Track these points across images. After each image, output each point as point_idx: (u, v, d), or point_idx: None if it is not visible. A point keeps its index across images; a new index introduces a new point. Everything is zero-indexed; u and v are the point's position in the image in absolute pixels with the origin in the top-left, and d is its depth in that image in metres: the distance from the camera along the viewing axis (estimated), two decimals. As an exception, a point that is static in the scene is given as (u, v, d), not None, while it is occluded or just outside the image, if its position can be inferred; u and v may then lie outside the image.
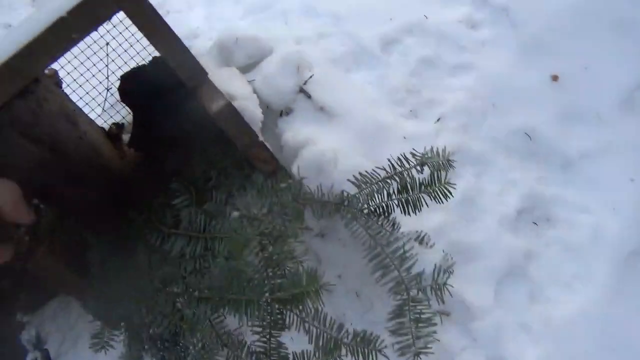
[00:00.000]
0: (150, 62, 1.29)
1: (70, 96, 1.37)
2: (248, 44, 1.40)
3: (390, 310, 1.12)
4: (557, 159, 1.25)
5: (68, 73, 1.38)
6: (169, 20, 0.85)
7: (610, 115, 1.26)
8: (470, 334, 1.12)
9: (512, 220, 1.21)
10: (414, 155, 0.89)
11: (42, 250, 0.87)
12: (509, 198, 1.23)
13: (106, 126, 1.47)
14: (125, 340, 0.87)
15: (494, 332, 1.12)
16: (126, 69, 1.43)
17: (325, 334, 0.79)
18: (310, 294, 0.78)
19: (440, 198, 0.85)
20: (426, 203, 0.86)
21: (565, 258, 1.19)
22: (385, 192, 0.86)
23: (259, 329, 0.81)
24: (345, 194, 0.89)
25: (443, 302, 0.83)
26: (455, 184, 0.84)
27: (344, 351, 0.80)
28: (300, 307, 0.80)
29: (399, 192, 0.87)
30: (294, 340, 0.93)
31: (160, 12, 0.84)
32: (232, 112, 0.87)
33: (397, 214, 0.92)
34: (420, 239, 0.87)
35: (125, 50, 1.42)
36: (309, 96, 1.34)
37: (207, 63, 1.11)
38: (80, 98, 1.41)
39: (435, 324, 0.81)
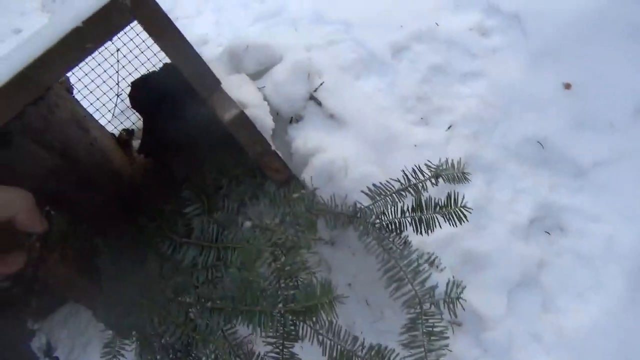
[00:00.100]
0: (161, 68, 1.29)
1: (80, 102, 1.37)
2: (258, 51, 1.40)
3: (403, 323, 1.12)
4: (570, 168, 1.24)
5: (79, 79, 1.38)
6: (178, 26, 0.84)
7: (623, 123, 1.25)
8: (482, 344, 1.11)
9: (523, 228, 1.20)
10: (428, 166, 0.88)
11: (54, 257, 0.87)
12: (521, 206, 1.22)
13: (116, 132, 1.47)
14: (137, 349, 0.87)
15: (505, 342, 1.11)
16: (137, 75, 1.44)
17: (339, 347, 0.78)
18: (324, 305, 0.77)
19: (454, 221, 0.84)
20: (439, 224, 0.86)
21: (577, 267, 1.18)
22: (398, 208, 0.85)
23: (272, 340, 0.81)
24: (358, 205, 0.88)
25: (456, 315, 0.82)
26: (472, 209, 0.83)
27: (358, 364, 0.79)
28: (314, 319, 0.79)
29: (412, 210, 0.86)
30: (304, 349, 0.92)
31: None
32: (245, 121, 0.86)
33: (408, 232, 0.92)
34: (431, 261, 0.87)
35: (136, 57, 1.42)
36: (319, 103, 1.34)
37: (217, 69, 1.11)
38: (91, 104, 1.42)
39: (447, 337, 0.80)
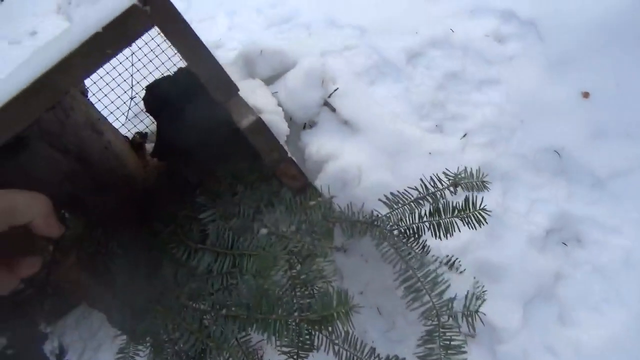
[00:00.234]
0: (176, 72, 1.30)
1: (94, 105, 1.38)
2: (272, 56, 1.40)
3: (416, 333, 1.11)
4: (587, 178, 1.22)
5: (94, 82, 1.39)
6: (192, 30, 0.84)
7: (642, 133, 1.23)
8: (496, 357, 1.10)
9: (540, 239, 1.18)
10: (446, 175, 0.87)
11: (70, 261, 0.87)
12: (537, 217, 1.20)
13: (129, 135, 1.48)
14: (150, 355, 0.86)
15: (520, 355, 1.09)
16: (151, 79, 1.44)
17: (355, 358, 0.77)
18: (340, 315, 0.76)
19: (473, 224, 0.83)
20: (458, 228, 0.84)
21: (594, 280, 1.16)
22: (416, 214, 0.84)
23: (287, 349, 0.80)
24: (375, 213, 0.88)
25: (474, 329, 0.81)
26: (490, 211, 0.82)
27: (373, 375, 0.78)
28: (330, 329, 0.78)
29: (430, 214, 0.85)
30: (315, 358, 0.91)
31: (184, 23, 0.84)
32: (262, 128, 0.86)
33: (426, 236, 0.91)
34: (451, 264, 0.85)
35: (151, 61, 1.43)
36: (333, 109, 1.34)
37: (232, 74, 1.11)
38: (105, 107, 1.42)
39: (465, 352, 0.79)
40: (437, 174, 0.88)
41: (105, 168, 1.20)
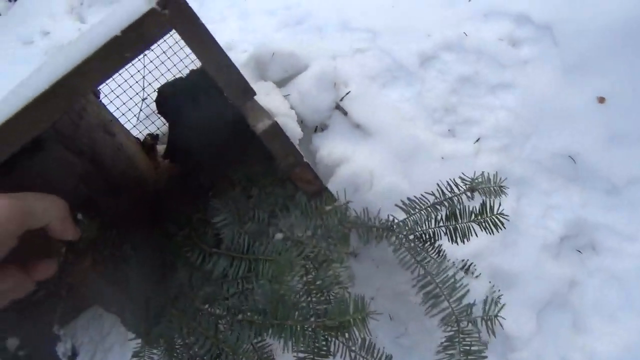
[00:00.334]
0: (188, 74, 1.30)
1: (106, 106, 1.38)
2: (284, 59, 1.39)
3: (428, 339, 1.10)
4: (603, 184, 1.21)
5: (106, 83, 1.39)
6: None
7: (659, 140, 1.21)
8: (510, 365, 1.09)
9: (554, 246, 1.17)
10: (463, 179, 0.86)
11: (85, 264, 0.87)
12: (552, 223, 1.19)
13: (141, 137, 1.48)
14: (165, 359, 0.86)
15: (534, 363, 1.09)
16: (163, 80, 1.44)
17: (372, 365, 0.77)
18: (356, 322, 0.76)
19: (490, 228, 0.82)
20: (475, 233, 0.84)
21: (610, 288, 1.15)
22: (432, 219, 0.83)
23: (302, 355, 0.79)
24: (391, 218, 0.87)
25: (494, 334, 0.80)
26: (508, 216, 0.81)
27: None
28: (347, 335, 0.77)
29: (447, 219, 0.84)
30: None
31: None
32: (278, 132, 0.85)
33: (442, 241, 0.90)
34: (466, 268, 0.85)
35: (163, 62, 1.43)
36: (345, 113, 1.33)
37: (245, 77, 1.11)
38: (117, 108, 1.42)
39: (485, 357, 0.78)
40: (453, 179, 0.87)
41: (118, 170, 1.20)
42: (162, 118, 1.45)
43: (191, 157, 1.27)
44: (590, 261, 1.17)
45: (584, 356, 1.09)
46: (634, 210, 1.18)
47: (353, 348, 0.78)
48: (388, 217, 0.87)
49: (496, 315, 0.80)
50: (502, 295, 0.83)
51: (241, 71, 0.98)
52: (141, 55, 1.45)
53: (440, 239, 0.86)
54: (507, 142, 1.26)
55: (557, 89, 1.27)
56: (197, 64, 1.45)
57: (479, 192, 0.85)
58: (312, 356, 0.79)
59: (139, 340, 0.87)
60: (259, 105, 0.97)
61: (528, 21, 1.38)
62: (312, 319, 0.78)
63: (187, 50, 1.43)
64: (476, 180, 0.86)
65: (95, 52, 0.77)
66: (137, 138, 1.44)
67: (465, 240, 0.84)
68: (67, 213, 0.74)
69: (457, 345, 0.77)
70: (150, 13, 0.77)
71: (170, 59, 1.42)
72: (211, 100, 1.23)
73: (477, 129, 1.29)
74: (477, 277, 0.89)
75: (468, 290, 0.79)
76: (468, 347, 0.78)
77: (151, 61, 1.43)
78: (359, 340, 0.78)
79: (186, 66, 1.44)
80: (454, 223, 0.84)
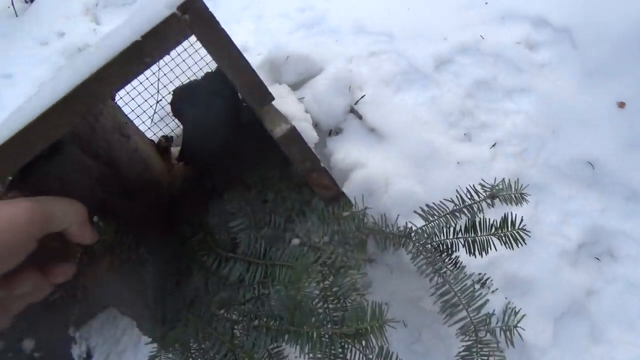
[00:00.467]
0: (203, 77, 1.30)
1: (121, 108, 1.39)
2: (299, 62, 1.39)
3: (442, 346, 1.09)
4: (622, 190, 1.19)
5: (121, 86, 1.40)
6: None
7: (680, 146, 1.19)
8: (527, 373, 1.07)
9: (572, 253, 1.15)
10: (482, 186, 0.85)
11: (103, 267, 0.87)
12: (569, 230, 1.17)
13: (155, 139, 1.49)
14: (180, 364, 0.86)
15: (551, 372, 1.07)
16: (177, 82, 1.45)
17: (390, 374, 0.76)
18: (374, 329, 0.75)
19: (510, 243, 0.81)
20: (495, 247, 0.82)
21: (629, 296, 1.13)
22: (451, 229, 0.82)
23: (318, 362, 0.79)
24: (409, 225, 0.86)
25: (513, 344, 0.79)
26: (530, 232, 0.80)
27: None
28: (364, 343, 0.77)
29: (465, 230, 0.83)
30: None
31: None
32: (296, 136, 0.85)
33: (459, 252, 0.89)
34: (483, 282, 0.83)
35: (177, 65, 1.43)
36: (359, 116, 1.32)
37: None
38: (132, 110, 1.43)
39: (504, 368, 0.77)
40: (473, 185, 0.86)
41: (133, 172, 1.21)
42: (176, 120, 1.45)
43: (205, 160, 1.27)
44: (608, 269, 1.15)
45: (603, 366, 1.07)
46: (654, 217, 1.16)
47: (370, 356, 0.77)
48: (406, 224, 0.86)
49: (515, 326, 0.79)
50: (520, 309, 0.82)
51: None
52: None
53: (458, 250, 0.85)
54: (524, 147, 1.24)
55: (576, 94, 1.25)
56: (212, 66, 1.45)
57: (499, 200, 0.84)
58: (328, 364, 0.79)
59: (154, 345, 0.87)
60: (276, 110, 0.97)
61: (546, 24, 1.36)
62: (329, 326, 0.78)
63: (202, 52, 1.43)
64: (496, 187, 0.84)
65: (115, 57, 0.77)
66: (152, 140, 1.44)
67: (483, 253, 0.83)
68: (85, 217, 0.74)
69: (475, 355, 0.76)
70: (171, 18, 0.77)
71: (185, 61, 1.43)
72: (225, 103, 1.23)
73: (494, 133, 1.27)
74: (493, 292, 0.88)
75: (487, 300, 0.78)
76: (486, 357, 0.77)
77: (166, 63, 1.43)
78: (376, 348, 0.77)
79: (201, 68, 1.45)
80: (472, 235, 0.83)
